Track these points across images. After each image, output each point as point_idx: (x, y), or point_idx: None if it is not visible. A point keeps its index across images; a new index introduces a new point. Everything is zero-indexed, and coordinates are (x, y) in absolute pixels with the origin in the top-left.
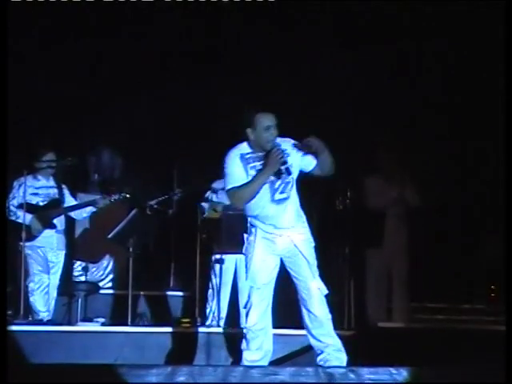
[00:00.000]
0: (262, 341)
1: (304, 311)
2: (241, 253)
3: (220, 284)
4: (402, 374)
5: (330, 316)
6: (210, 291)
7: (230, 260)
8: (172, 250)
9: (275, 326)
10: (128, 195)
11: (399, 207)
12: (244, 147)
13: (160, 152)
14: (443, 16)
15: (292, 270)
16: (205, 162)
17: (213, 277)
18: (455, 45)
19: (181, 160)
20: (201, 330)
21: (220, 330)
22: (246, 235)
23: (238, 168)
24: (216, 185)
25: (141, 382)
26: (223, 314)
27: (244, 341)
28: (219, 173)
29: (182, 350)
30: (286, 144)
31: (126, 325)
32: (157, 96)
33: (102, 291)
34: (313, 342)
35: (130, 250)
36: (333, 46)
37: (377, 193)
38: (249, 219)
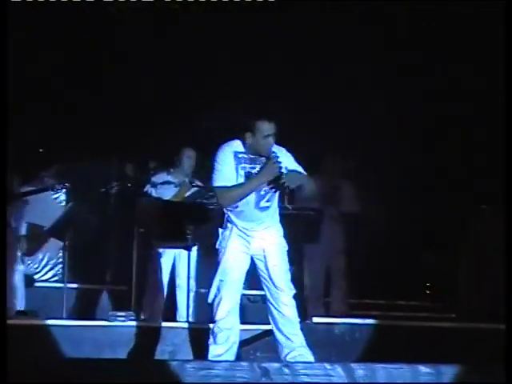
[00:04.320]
0: (227, 335)
1: (273, 310)
2: (179, 247)
3: (158, 279)
4: (336, 369)
5: (297, 316)
6: (148, 285)
7: (169, 254)
8: (109, 243)
9: None
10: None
11: (338, 207)
12: (238, 145)
13: (99, 144)
14: (443, 16)
15: (261, 271)
16: (144, 155)
17: (150, 271)
18: (455, 45)
19: (119, 153)
20: (137, 324)
21: (156, 324)
22: (220, 229)
23: (229, 167)
24: (156, 179)
25: None
26: (160, 308)
27: (211, 335)
28: (159, 167)
29: (118, 345)
30: (281, 153)
31: (62, 318)
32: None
33: (37, 284)
34: (281, 339)
35: (66, 243)
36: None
37: (317, 193)
38: (226, 214)
